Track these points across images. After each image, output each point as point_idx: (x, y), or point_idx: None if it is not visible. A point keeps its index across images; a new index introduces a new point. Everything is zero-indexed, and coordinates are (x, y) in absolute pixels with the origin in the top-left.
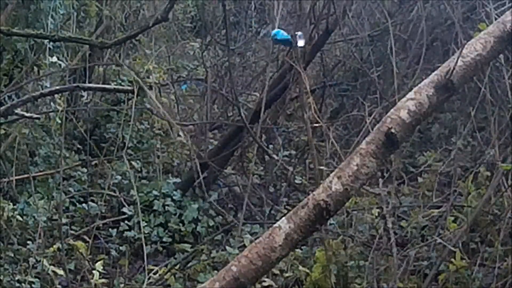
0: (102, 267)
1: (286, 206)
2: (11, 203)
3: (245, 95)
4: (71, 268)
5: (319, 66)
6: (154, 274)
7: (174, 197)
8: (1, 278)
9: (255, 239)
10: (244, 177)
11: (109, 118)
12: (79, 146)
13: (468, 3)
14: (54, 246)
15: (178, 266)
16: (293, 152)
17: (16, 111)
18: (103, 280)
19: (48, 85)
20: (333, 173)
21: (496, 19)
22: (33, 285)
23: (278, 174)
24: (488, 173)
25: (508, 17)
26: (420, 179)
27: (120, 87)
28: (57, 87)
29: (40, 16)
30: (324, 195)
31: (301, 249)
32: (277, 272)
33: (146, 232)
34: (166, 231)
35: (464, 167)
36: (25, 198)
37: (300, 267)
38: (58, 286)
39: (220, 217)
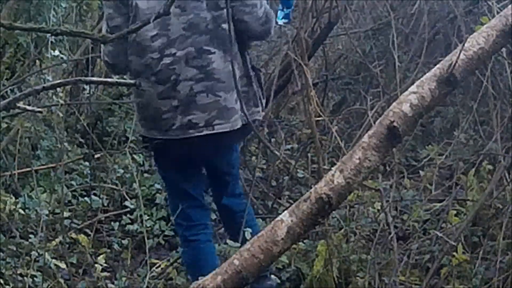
0: (104, 261)
1: (288, 200)
2: (13, 197)
3: None
4: (73, 262)
5: (321, 60)
6: (157, 267)
7: None
8: (3, 271)
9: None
10: (246, 171)
11: (111, 111)
12: (81, 139)
13: None
14: (56, 239)
15: (180, 259)
16: (295, 145)
17: (18, 105)
18: (105, 273)
19: (50, 79)
20: (335, 166)
21: (498, 13)
22: (35, 279)
23: (280, 167)
24: (490, 167)
25: (510, 10)
26: (422, 173)
27: (122, 80)
28: (59, 81)
29: (42, 10)
30: (326, 188)
31: (304, 243)
32: (279, 265)
33: (148, 225)
34: (169, 224)
35: (466, 161)
36: (27, 191)
37: (302, 261)
38: (60, 279)
39: None
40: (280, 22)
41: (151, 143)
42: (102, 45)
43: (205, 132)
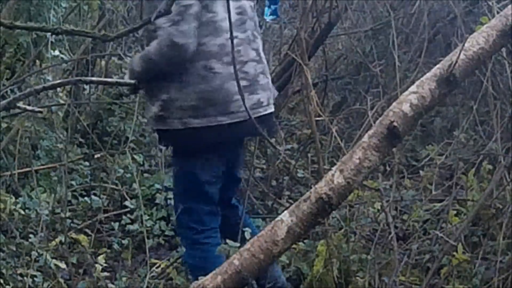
0: (104, 261)
1: (288, 200)
2: (13, 197)
3: None
4: (73, 262)
5: (321, 60)
6: (157, 267)
7: None
8: (3, 271)
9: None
10: (246, 171)
11: (111, 111)
12: (81, 139)
13: None
14: (57, 239)
15: (180, 259)
16: (296, 145)
17: (18, 105)
18: (105, 273)
19: (50, 79)
20: (335, 166)
21: (498, 13)
22: (35, 279)
23: (280, 167)
24: (490, 167)
25: (510, 10)
26: (422, 173)
27: (123, 80)
28: (59, 81)
29: (42, 10)
30: (326, 188)
31: (304, 243)
32: (279, 265)
33: (148, 225)
34: (169, 224)
35: (466, 161)
36: (27, 191)
37: (302, 261)
38: (60, 279)
39: None
40: (268, 19)
41: (204, 134)
42: (169, 27)
43: (268, 111)
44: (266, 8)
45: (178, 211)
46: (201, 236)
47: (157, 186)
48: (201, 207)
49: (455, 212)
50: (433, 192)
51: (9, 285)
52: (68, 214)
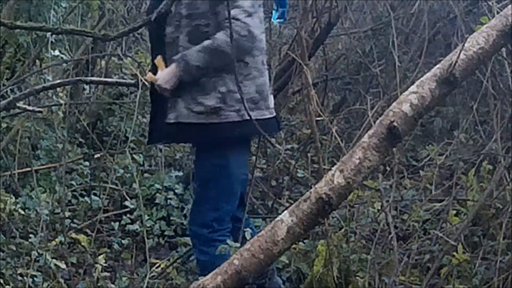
0: (104, 261)
1: (288, 200)
2: (13, 197)
3: None
4: (73, 262)
5: (321, 60)
6: (157, 267)
7: (176, 191)
8: (3, 271)
9: (257, 232)
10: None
11: (111, 111)
12: (81, 139)
13: None
14: (57, 239)
15: (180, 259)
16: (296, 145)
17: (18, 105)
18: (105, 273)
19: (50, 79)
20: (335, 166)
21: (498, 13)
22: (35, 279)
23: (280, 167)
24: (490, 167)
25: (510, 10)
26: (422, 173)
27: (123, 80)
28: (59, 81)
29: (42, 10)
30: (326, 188)
31: (304, 243)
32: (279, 265)
33: (148, 225)
34: (169, 224)
35: (466, 161)
36: (27, 191)
37: (302, 261)
38: (60, 279)
39: None
40: (275, 22)
41: (255, 127)
42: (246, 18)
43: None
44: (273, 11)
45: (195, 208)
46: (216, 234)
47: (157, 186)
48: (226, 206)
49: (455, 212)
50: (433, 192)
51: (9, 285)
52: (68, 214)
